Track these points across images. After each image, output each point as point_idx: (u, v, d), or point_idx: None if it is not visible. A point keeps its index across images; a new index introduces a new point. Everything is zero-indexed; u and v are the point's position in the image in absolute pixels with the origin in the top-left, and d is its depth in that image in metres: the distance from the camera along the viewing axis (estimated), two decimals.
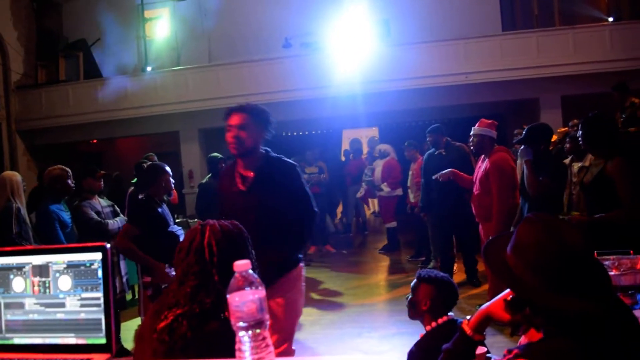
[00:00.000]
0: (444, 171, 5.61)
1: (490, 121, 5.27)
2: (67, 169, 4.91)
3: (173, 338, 1.62)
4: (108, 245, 1.51)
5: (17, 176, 4.87)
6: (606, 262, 2.96)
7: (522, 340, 1.97)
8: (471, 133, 5.28)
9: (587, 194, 3.93)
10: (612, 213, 3.61)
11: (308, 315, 5.90)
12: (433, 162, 6.57)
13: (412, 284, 2.73)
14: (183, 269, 1.72)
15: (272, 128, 3.14)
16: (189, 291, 1.66)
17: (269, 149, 3.18)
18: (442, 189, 6.36)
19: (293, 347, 3.19)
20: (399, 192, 8.92)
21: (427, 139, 6.82)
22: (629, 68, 10.10)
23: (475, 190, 5.22)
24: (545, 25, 12.05)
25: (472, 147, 5.38)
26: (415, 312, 2.70)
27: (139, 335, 1.78)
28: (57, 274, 1.53)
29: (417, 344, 2.62)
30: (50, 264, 1.53)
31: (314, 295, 6.77)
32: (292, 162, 3.20)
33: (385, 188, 8.84)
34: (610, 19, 12.48)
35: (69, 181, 4.86)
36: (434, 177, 5.90)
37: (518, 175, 4.98)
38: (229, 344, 1.34)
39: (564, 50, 10.94)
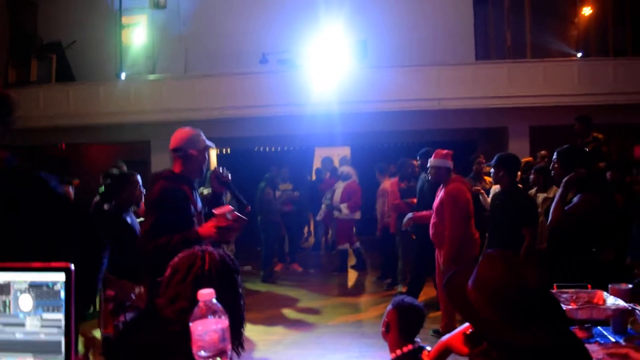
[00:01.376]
0: (406, 218, 5.81)
1: (445, 152, 5.45)
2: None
3: None
4: (72, 267, 1.49)
5: None
6: (564, 295, 3.04)
7: None
8: (428, 165, 5.47)
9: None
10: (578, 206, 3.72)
11: (272, 335, 5.87)
12: (424, 186, 6.69)
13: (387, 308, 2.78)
14: (177, 292, 1.71)
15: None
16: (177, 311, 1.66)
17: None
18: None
19: None
20: (357, 215, 8.99)
21: (417, 162, 6.95)
22: (594, 103, 10.41)
23: (433, 218, 5.38)
24: (518, 57, 12.38)
25: (429, 178, 5.56)
26: (385, 336, 2.76)
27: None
28: (19, 293, 1.50)
29: None
30: (11, 283, 1.51)
31: (279, 314, 6.74)
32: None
33: (345, 210, 8.87)
34: (579, 55, 12.90)
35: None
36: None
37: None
38: None
39: (534, 81, 11.24)
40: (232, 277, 1.79)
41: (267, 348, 5.32)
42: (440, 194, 5.33)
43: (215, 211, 2.87)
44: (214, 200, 3.22)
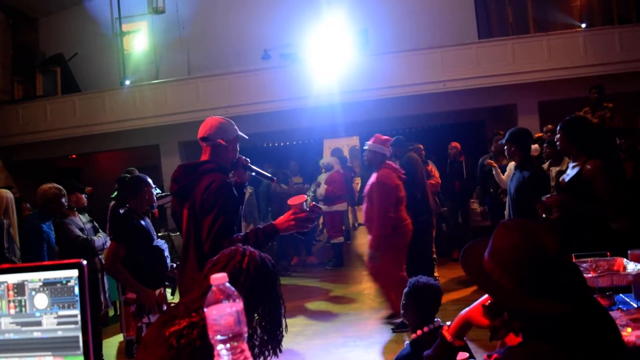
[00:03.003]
0: None
1: (385, 138, 5.47)
2: (62, 187, 4.90)
3: (182, 344, 1.61)
4: (84, 262, 1.50)
5: (9, 193, 4.84)
6: (584, 265, 3.00)
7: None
8: (364, 147, 5.53)
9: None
10: (594, 204, 3.68)
11: (292, 327, 5.85)
12: None
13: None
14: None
15: None
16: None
17: None
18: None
19: None
20: (343, 207, 8.96)
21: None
22: (602, 73, 10.30)
23: (364, 203, 5.49)
24: (520, 33, 12.25)
25: (366, 161, 5.63)
26: (405, 317, 2.76)
27: (142, 345, 1.76)
28: (33, 292, 1.51)
29: (404, 354, 2.64)
30: (26, 282, 1.51)
31: (299, 306, 6.75)
32: None
33: (321, 191, 8.88)
34: (583, 26, 12.74)
35: (64, 200, 4.86)
36: None
37: None
38: None
39: (539, 56, 11.12)
40: (270, 278, 1.78)
41: (289, 339, 5.29)
42: (371, 179, 5.41)
43: (290, 202, 2.75)
44: (237, 191, 3.11)
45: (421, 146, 7.37)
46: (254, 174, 3.06)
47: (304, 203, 2.74)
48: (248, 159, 3.07)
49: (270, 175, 3.17)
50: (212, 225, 2.64)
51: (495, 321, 1.58)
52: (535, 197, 4.42)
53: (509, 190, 4.81)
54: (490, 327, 1.60)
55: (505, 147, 4.69)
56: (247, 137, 3.06)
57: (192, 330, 1.63)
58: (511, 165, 5.93)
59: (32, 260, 4.44)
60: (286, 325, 1.88)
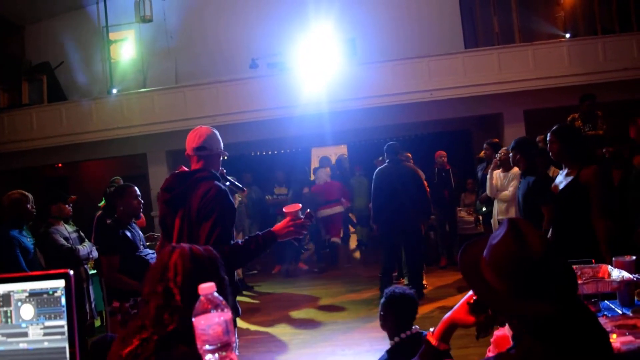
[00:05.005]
0: None
1: None
2: (27, 193, 4.79)
3: None
4: (71, 272, 1.49)
5: None
6: None
7: (494, 339, 2.02)
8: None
9: (557, 202, 4.01)
10: (599, 234, 3.71)
11: (281, 336, 5.87)
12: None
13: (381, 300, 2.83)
14: (149, 288, 1.71)
15: None
16: (153, 313, 1.65)
17: None
18: (390, 203, 6.62)
19: None
20: (338, 209, 9.22)
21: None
22: (586, 82, 10.42)
23: None
24: (506, 42, 12.38)
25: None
26: (383, 327, 2.80)
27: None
28: (19, 303, 1.50)
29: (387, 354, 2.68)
30: (12, 293, 1.51)
31: (287, 315, 6.73)
32: None
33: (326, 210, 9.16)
34: (567, 36, 12.92)
35: (29, 206, 4.74)
36: None
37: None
38: None
39: (525, 66, 11.24)
40: (204, 268, 1.73)
41: (277, 349, 5.32)
42: None
43: (285, 210, 2.87)
44: None
45: (409, 154, 7.42)
46: (228, 183, 3.09)
47: (299, 211, 2.84)
48: (224, 169, 3.10)
49: (241, 186, 3.25)
50: (210, 233, 2.66)
51: (480, 317, 1.58)
52: (541, 201, 4.48)
53: (517, 198, 4.91)
54: (476, 325, 1.61)
55: (511, 154, 4.87)
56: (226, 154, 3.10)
57: (146, 347, 1.60)
58: (514, 171, 6.10)
59: (8, 270, 4.37)
60: (239, 310, 1.85)
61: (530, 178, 4.67)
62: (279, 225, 2.85)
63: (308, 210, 2.92)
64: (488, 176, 6.46)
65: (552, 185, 4.12)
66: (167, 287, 1.68)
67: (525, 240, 1.46)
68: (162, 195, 2.98)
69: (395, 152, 6.70)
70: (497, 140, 7.70)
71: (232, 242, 2.74)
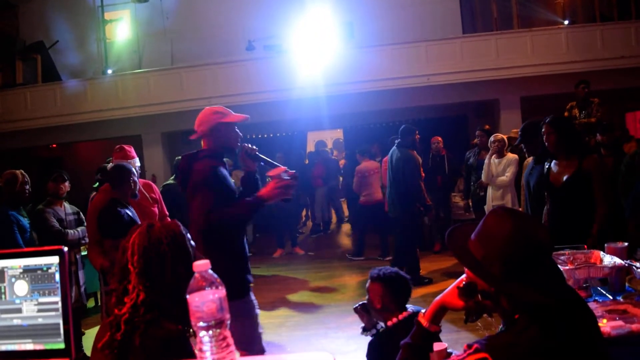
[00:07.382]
0: None
1: None
2: (22, 173, 4.75)
3: (116, 353, 1.55)
4: (66, 249, 1.49)
5: None
6: (561, 257, 3.05)
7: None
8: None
9: (557, 193, 3.97)
10: (598, 218, 3.72)
11: (274, 318, 5.90)
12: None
13: (366, 284, 2.79)
14: (116, 269, 1.69)
15: None
16: (118, 296, 1.62)
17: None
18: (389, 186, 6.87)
19: None
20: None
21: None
22: (584, 69, 10.41)
23: None
24: (504, 28, 12.33)
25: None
26: (370, 314, 2.75)
27: (94, 346, 1.73)
28: (13, 279, 1.50)
29: (379, 336, 2.66)
30: (5, 269, 1.50)
31: (282, 298, 6.76)
32: None
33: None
34: (566, 22, 12.87)
35: (24, 187, 4.71)
36: None
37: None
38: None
39: (522, 52, 11.22)
40: (159, 243, 1.67)
41: (270, 331, 5.34)
42: None
43: (270, 174, 2.93)
44: (248, 180, 3.18)
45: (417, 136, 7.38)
46: (262, 163, 3.11)
47: (283, 173, 2.91)
48: (255, 148, 3.09)
49: (276, 164, 3.11)
50: (202, 203, 2.80)
51: (469, 302, 1.60)
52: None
53: (526, 185, 4.75)
54: (465, 309, 1.63)
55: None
56: (246, 117, 3.07)
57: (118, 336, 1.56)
58: (510, 157, 6.19)
59: (5, 247, 4.36)
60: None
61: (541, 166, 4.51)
62: (264, 189, 2.92)
63: (293, 171, 2.95)
64: (485, 162, 6.45)
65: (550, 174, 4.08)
66: (125, 267, 1.65)
67: (531, 229, 1.49)
68: (178, 177, 3.15)
69: (401, 135, 6.74)
70: (489, 127, 7.68)
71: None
